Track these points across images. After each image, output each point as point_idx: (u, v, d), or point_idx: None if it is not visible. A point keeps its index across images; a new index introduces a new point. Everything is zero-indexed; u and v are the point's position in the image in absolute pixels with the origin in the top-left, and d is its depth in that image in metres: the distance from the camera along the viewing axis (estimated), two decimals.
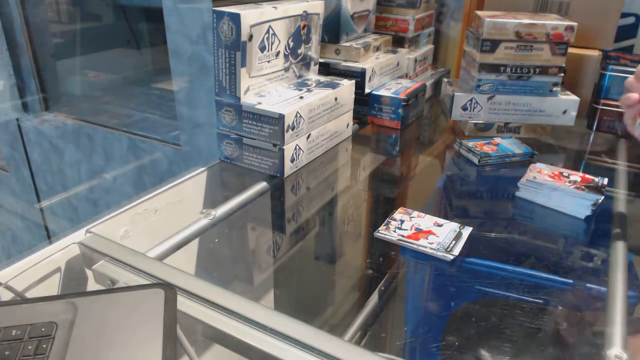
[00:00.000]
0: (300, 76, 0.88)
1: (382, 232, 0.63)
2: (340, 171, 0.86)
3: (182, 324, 0.43)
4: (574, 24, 0.87)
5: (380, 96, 0.97)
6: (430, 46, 1.23)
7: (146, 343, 0.37)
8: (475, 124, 0.96)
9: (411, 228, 0.64)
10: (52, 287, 0.52)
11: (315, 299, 0.61)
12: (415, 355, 0.48)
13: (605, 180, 0.72)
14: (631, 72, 0.91)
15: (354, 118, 0.94)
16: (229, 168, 0.79)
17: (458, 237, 0.62)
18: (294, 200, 0.75)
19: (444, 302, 0.56)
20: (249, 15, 0.70)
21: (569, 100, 0.92)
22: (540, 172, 0.75)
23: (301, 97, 0.78)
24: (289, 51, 0.82)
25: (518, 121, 0.95)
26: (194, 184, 0.74)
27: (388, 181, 0.85)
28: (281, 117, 0.71)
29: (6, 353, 0.35)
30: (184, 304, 0.44)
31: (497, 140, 0.90)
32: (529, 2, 1.06)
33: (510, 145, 0.88)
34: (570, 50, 0.91)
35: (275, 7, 0.75)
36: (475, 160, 0.84)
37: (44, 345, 0.36)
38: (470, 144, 0.87)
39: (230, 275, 0.70)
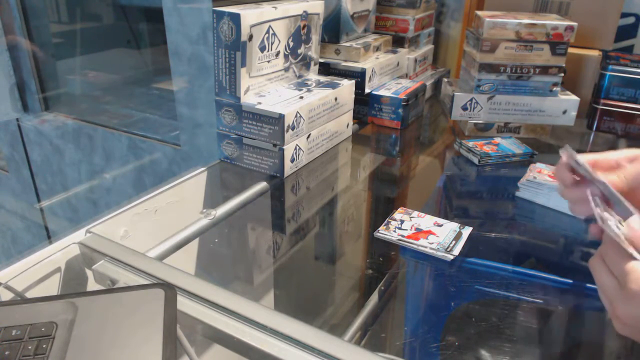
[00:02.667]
0: (300, 76, 0.88)
1: (382, 232, 0.63)
2: (340, 171, 0.86)
3: (182, 324, 0.43)
4: (574, 24, 0.87)
5: (380, 96, 0.97)
6: (430, 46, 1.23)
7: (146, 343, 0.37)
8: (475, 124, 0.96)
9: (411, 228, 0.64)
10: (52, 287, 0.52)
11: (315, 299, 0.61)
12: (415, 355, 0.48)
13: None
14: (631, 72, 0.91)
15: (354, 118, 0.94)
16: (229, 168, 0.79)
17: (458, 237, 0.62)
18: (294, 200, 0.75)
19: (443, 302, 0.56)
20: (249, 15, 0.70)
21: (569, 100, 0.92)
22: (540, 172, 0.75)
23: (301, 97, 0.78)
24: (289, 51, 0.82)
25: (518, 121, 0.95)
26: (194, 184, 0.74)
27: (388, 181, 0.85)
28: (281, 117, 0.71)
29: (6, 353, 0.35)
30: (184, 304, 0.44)
31: (497, 140, 0.90)
32: (529, 2, 1.06)
33: (510, 145, 0.88)
34: (570, 50, 0.91)
35: (275, 7, 0.75)
36: (475, 160, 0.84)
37: (44, 345, 0.36)
38: (470, 144, 0.87)
39: (230, 275, 0.70)
